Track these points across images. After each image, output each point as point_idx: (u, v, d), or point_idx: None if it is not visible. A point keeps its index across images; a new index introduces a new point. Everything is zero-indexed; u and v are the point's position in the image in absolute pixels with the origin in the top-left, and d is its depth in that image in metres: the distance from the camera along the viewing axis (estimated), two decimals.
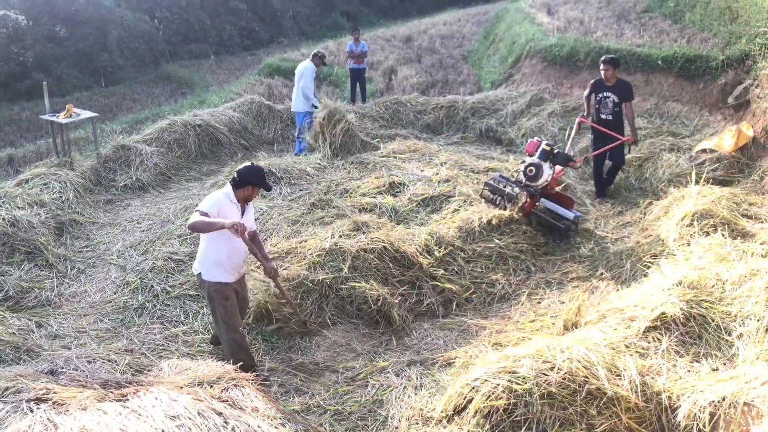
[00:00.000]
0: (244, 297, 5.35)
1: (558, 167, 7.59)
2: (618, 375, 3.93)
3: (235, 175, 4.90)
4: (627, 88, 8.01)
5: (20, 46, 27.89)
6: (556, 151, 7.44)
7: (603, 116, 8.16)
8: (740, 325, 4.42)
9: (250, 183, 4.88)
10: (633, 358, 4.21)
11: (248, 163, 5.05)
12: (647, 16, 14.27)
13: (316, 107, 10.56)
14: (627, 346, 4.37)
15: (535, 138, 8.08)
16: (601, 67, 8.01)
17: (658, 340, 4.41)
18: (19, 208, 7.61)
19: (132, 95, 24.30)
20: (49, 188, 8.49)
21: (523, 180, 7.25)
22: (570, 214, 7.29)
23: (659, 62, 10.53)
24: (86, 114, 10.25)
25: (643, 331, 4.49)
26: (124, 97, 23.98)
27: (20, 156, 14.18)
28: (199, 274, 4.95)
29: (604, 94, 8.08)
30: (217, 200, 4.78)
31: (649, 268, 5.92)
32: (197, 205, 4.80)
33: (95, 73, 28.03)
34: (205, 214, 4.63)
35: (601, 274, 6.46)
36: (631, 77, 11.01)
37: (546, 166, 7.26)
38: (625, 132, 8.14)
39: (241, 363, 4.49)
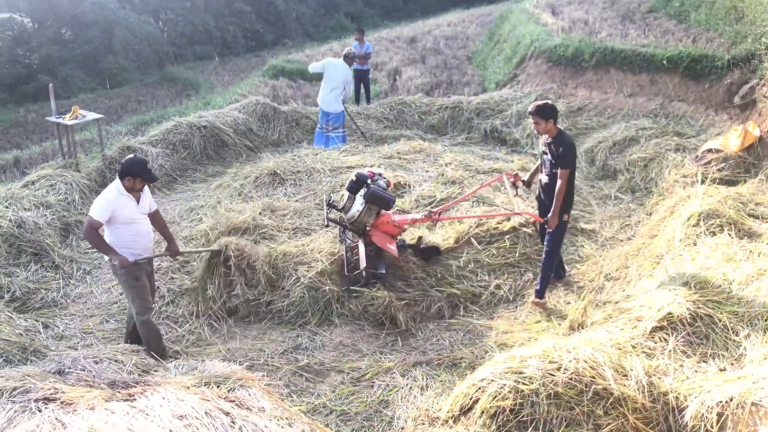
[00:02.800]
0: (153, 282, 5.64)
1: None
2: (625, 375, 3.92)
3: (118, 166, 5.14)
4: (565, 149, 5.75)
5: (26, 49, 27.98)
6: (371, 186, 6.19)
7: (541, 176, 6.23)
8: (747, 325, 4.41)
9: (131, 174, 5.05)
10: (640, 358, 4.20)
11: (131, 155, 5.28)
12: (652, 16, 14.24)
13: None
14: (633, 347, 4.36)
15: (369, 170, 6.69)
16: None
17: (665, 340, 4.39)
18: (25, 209, 7.63)
19: (137, 97, 24.36)
20: (55, 190, 8.51)
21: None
22: (374, 267, 6.21)
23: (664, 62, 10.50)
24: (92, 116, 10.27)
25: (650, 332, 4.48)
26: (129, 99, 24.03)
27: (26, 158, 14.21)
28: (110, 259, 5.14)
29: (543, 149, 6.11)
30: (109, 199, 5.01)
31: (655, 268, 5.90)
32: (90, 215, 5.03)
33: (100, 75, 28.10)
34: (99, 224, 4.97)
35: (607, 274, 6.44)
36: (636, 77, 11.01)
37: (357, 199, 6.29)
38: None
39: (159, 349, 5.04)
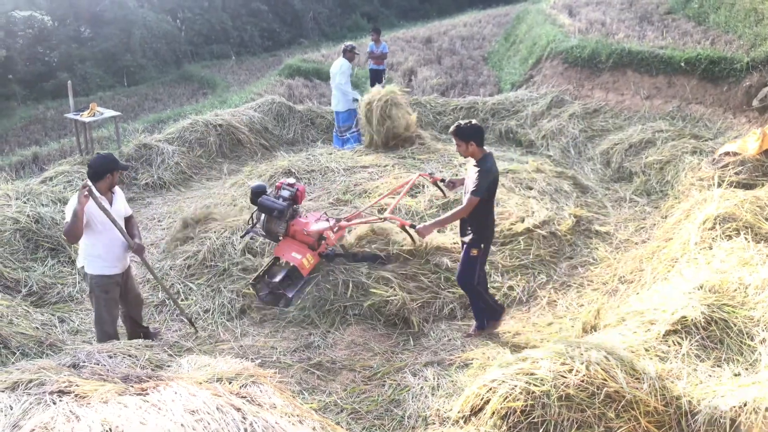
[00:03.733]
0: (136, 293, 5.50)
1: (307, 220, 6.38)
2: (637, 378, 3.89)
3: (89, 170, 4.96)
4: (480, 174, 5.23)
5: (46, 47, 28.32)
6: (261, 197, 6.23)
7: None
8: (763, 330, 4.36)
9: (109, 170, 4.95)
10: (653, 361, 4.17)
11: (95, 156, 5.17)
12: (670, 17, 14.14)
13: (357, 100, 10.63)
14: (646, 350, 4.33)
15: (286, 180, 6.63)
16: None
17: (679, 343, 4.36)
18: (43, 205, 7.72)
19: (154, 95, 24.55)
20: (73, 186, 8.62)
21: None
22: (277, 279, 6.20)
23: (682, 64, 10.42)
24: (109, 113, 10.38)
25: (663, 335, 4.45)
26: (147, 97, 24.23)
27: (45, 154, 14.35)
28: (82, 267, 5.07)
29: (468, 168, 5.79)
30: (74, 203, 4.78)
31: (669, 272, 5.86)
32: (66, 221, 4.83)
33: (118, 73, 28.36)
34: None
35: (621, 277, 6.40)
36: (653, 79, 10.94)
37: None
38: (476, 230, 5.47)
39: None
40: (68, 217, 4.78)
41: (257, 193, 6.30)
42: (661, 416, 3.76)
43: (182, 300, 6.42)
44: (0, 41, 26.31)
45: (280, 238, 6.35)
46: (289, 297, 6.18)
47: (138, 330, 5.55)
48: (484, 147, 5.39)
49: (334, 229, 6.46)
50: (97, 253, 5.00)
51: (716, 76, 9.90)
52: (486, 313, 5.81)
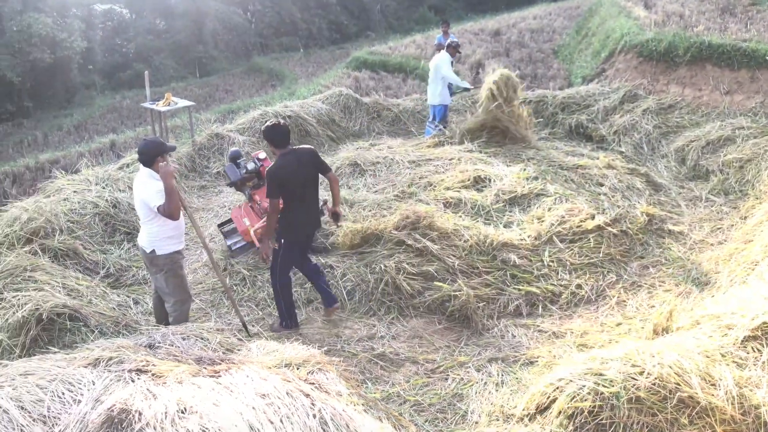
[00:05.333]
0: None
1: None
2: (713, 384, 3.75)
3: (140, 156, 5.01)
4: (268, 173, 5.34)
5: (123, 38, 29.45)
6: (230, 163, 7.10)
7: None
8: None
9: (158, 153, 4.99)
10: (729, 368, 4.00)
11: (142, 141, 5.19)
12: (755, 9, 13.46)
13: (468, 89, 10.96)
14: (723, 355, 4.16)
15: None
16: None
17: (758, 350, 4.16)
18: (120, 190, 8.04)
19: (225, 86, 25.16)
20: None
21: None
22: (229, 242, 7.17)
23: (767, 58, 9.92)
24: (183, 103, 10.68)
25: (742, 341, 4.25)
26: (217, 88, 24.86)
27: (121, 141, 14.97)
28: (152, 251, 5.14)
29: None
30: (158, 188, 4.91)
31: (749, 275, 5.61)
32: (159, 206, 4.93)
33: (191, 64, 29.23)
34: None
35: (695, 279, 6.18)
36: (734, 74, 10.48)
37: None
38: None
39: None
40: (160, 200, 4.89)
41: (232, 158, 7.13)
42: (738, 425, 3.62)
43: (249, 288, 6.56)
44: (81, 33, 27.51)
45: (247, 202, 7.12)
46: (232, 250, 7.07)
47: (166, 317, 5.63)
48: (289, 146, 5.36)
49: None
50: (169, 234, 5.16)
51: None
52: (284, 318, 5.75)
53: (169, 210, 4.87)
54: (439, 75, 10.38)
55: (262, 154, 7.12)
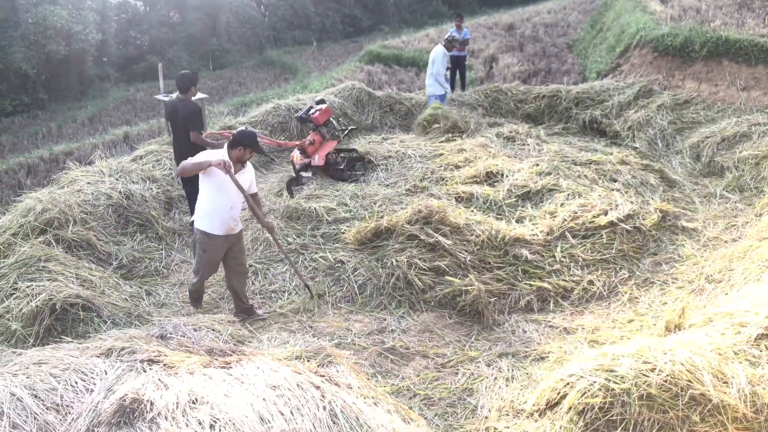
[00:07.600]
0: (240, 262, 5.72)
1: None
2: (725, 382, 3.72)
3: (231, 138, 5.34)
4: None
5: (137, 31, 29.58)
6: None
7: None
8: None
9: (242, 144, 5.29)
10: (742, 365, 3.96)
11: (242, 128, 5.60)
12: None
13: (446, 94, 11.12)
14: (736, 353, 4.12)
15: None
16: None
17: None
18: (133, 182, 8.08)
19: (238, 79, 25.21)
20: (161, 165, 8.96)
21: None
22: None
23: None
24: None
25: (755, 339, 4.21)
26: (231, 81, 24.92)
27: (135, 133, 15.03)
28: (192, 221, 5.46)
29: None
30: (212, 155, 5.25)
31: (763, 272, 5.55)
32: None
33: (204, 56, 29.32)
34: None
35: (709, 276, 6.12)
36: (751, 69, 10.37)
37: None
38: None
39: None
40: (195, 161, 5.19)
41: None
42: (750, 423, 3.59)
43: (261, 277, 6.59)
44: (96, 26, 27.65)
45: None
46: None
47: (240, 304, 5.79)
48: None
49: None
50: (206, 211, 5.37)
51: None
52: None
53: (184, 166, 5.21)
54: (432, 69, 10.77)
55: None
